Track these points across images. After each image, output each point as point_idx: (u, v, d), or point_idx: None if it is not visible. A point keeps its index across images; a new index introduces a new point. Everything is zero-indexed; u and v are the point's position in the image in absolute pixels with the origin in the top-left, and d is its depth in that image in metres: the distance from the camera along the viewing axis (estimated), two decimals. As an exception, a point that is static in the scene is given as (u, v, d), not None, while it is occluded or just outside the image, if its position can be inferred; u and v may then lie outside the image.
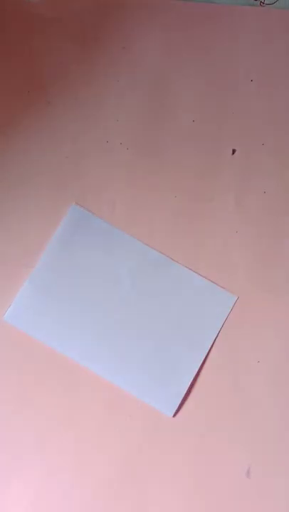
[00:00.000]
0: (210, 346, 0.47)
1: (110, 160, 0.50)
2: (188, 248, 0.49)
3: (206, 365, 0.47)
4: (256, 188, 0.50)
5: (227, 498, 0.45)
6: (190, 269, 0.48)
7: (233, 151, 0.51)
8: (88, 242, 0.49)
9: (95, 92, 0.51)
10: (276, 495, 0.45)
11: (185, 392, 0.46)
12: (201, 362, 0.47)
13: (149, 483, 0.45)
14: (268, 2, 0.52)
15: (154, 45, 0.52)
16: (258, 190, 0.50)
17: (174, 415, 0.46)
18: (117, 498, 0.45)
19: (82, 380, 0.47)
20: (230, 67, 0.52)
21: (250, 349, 0.48)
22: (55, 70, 0.51)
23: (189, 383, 0.47)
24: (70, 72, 0.51)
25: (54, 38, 0.52)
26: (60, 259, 0.48)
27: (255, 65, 0.52)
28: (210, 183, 0.50)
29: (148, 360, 0.47)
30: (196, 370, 0.47)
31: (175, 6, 0.52)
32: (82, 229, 0.49)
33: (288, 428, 0.46)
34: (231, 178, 0.50)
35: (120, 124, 0.51)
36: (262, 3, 0.53)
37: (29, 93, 0.51)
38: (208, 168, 0.50)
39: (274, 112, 0.51)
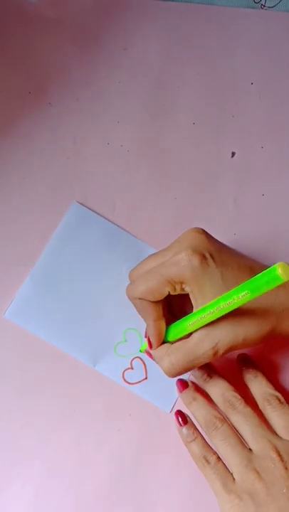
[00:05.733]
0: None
1: (111, 162, 0.50)
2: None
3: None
4: (255, 190, 0.50)
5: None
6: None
7: (233, 154, 0.51)
8: (89, 240, 0.49)
9: (96, 94, 0.51)
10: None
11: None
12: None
13: (149, 481, 0.45)
14: (268, 5, 0.53)
15: (155, 47, 0.52)
16: (257, 192, 0.50)
17: (171, 411, 0.46)
18: (117, 496, 0.45)
19: (83, 377, 0.47)
20: (231, 70, 0.52)
21: (247, 351, 0.48)
22: (56, 71, 0.51)
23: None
24: (71, 73, 0.51)
25: (55, 39, 0.51)
26: (61, 257, 0.48)
27: (256, 68, 0.52)
28: (209, 185, 0.50)
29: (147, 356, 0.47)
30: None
31: (176, 7, 0.52)
32: (82, 227, 0.49)
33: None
34: (230, 181, 0.51)
35: (121, 125, 0.51)
36: (262, 6, 0.53)
37: (30, 94, 0.51)
38: (208, 170, 0.51)
39: (274, 115, 0.51)
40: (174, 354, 0.40)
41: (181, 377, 0.45)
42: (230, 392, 0.42)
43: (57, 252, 0.49)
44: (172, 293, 0.40)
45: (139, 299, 0.41)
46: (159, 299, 0.40)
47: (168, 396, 0.47)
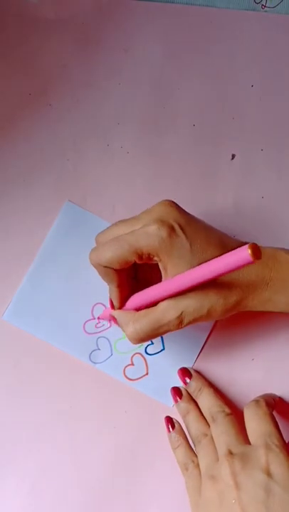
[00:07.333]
0: (205, 340, 0.48)
1: (111, 163, 0.51)
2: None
3: (202, 363, 0.48)
4: (254, 192, 0.51)
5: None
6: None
7: (233, 156, 0.51)
8: (84, 238, 0.49)
9: (96, 95, 0.51)
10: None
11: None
12: (196, 356, 0.48)
13: (145, 479, 0.46)
14: (269, 5, 0.52)
15: (156, 49, 0.52)
16: (257, 195, 0.51)
17: (174, 405, 0.46)
18: (113, 492, 0.46)
19: (79, 375, 0.47)
20: (231, 72, 0.52)
21: (244, 347, 0.48)
22: (57, 72, 0.51)
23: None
24: (71, 74, 0.51)
25: (55, 40, 0.51)
26: (57, 256, 0.49)
27: (256, 71, 0.52)
28: (209, 188, 0.51)
29: (148, 351, 0.48)
30: (192, 364, 0.48)
31: (177, 9, 0.52)
32: (77, 225, 0.49)
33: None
34: (230, 183, 0.51)
35: (121, 127, 0.51)
36: (263, 6, 0.52)
37: (30, 95, 0.51)
38: (208, 172, 0.51)
39: (274, 117, 0.51)
40: (139, 321, 0.41)
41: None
42: (215, 408, 0.44)
43: (52, 251, 0.49)
44: (138, 262, 0.40)
45: (104, 266, 0.41)
46: (125, 267, 0.41)
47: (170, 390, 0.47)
